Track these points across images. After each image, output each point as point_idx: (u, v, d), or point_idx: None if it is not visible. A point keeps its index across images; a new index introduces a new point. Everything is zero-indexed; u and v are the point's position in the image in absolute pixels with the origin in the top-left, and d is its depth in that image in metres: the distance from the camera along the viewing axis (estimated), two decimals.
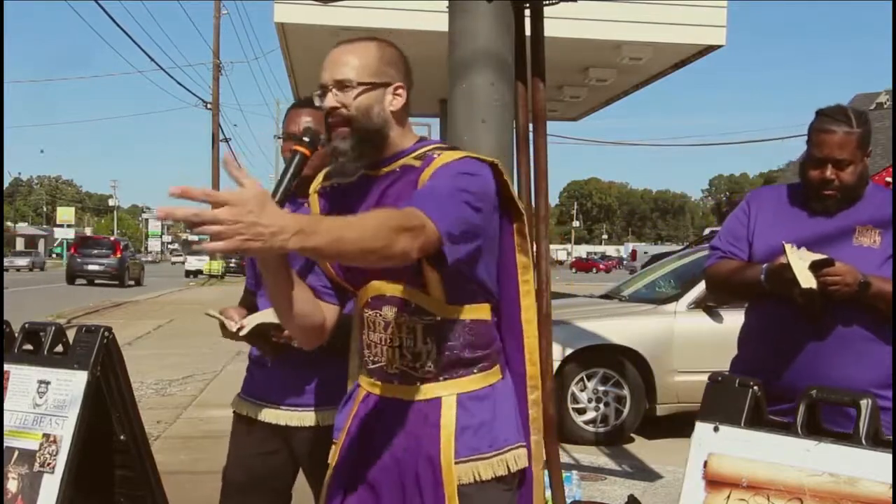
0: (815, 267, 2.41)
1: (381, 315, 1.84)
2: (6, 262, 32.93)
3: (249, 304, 2.64)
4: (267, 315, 2.40)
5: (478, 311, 1.85)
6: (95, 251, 31.18)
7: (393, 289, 1.82)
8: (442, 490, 1.78)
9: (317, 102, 1.85)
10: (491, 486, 1.81)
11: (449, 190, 1.70)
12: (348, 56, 1.82)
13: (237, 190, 1.37)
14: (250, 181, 1.39)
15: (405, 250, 1.55)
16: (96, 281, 30.42)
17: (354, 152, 1.80)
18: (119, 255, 30.93)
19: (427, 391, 1.83)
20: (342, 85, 1.80)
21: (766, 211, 2.70)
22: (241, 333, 2.40)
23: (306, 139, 1.83)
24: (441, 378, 1.83)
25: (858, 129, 2.52)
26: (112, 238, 36.26)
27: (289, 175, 1.78)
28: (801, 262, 2.42)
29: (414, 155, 1.86)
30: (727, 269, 2.71)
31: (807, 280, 2.40)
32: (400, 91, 1.85)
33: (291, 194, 2.63)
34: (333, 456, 1.95)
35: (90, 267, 30.59)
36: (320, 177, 2.00)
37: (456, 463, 1.79)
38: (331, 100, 1.80)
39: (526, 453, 1.88)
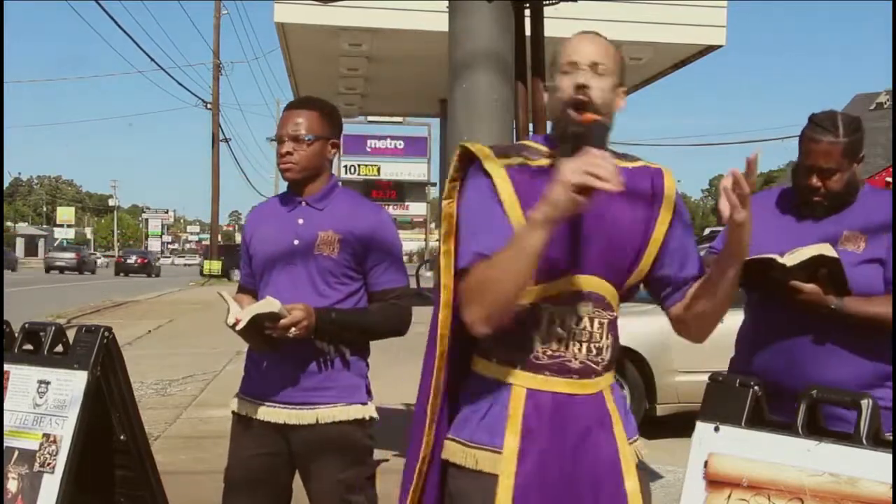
0: (806, 266, 2.44)
1: (573, 309, 1.85)
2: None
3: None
4: (263, 305, 2.40)
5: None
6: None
7: (596, 284, 1.86)
8: (620, 470, 1.87)
9: (565, 83, 1.83)
10: (641, 466, 1.94)
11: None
12: (602, 46, 1.87)
13: None
14: None
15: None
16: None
17: (598, 140, 1.79)
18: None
19: (596, 385, 1.89)
20: (596, 68, 1.83)
21: (762, 216, 2.67)
22: (238, 328, 2.40)
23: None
24: (605, 372, 1.91)
25: (845, 138, 2.51)
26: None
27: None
28: (797, 253, 2.45)
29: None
30: (710, 261, 2.74)
31: (790, 260, 2.44)
32: (623, 94, 1.91)
33: (291, 194, 2.65)
34: (508, 464, 1.83)
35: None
36: (497, 160, 1.89)
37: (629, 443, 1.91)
38: (587, 78, 1.81)
39: None
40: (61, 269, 43.12)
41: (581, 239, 1.83)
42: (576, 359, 1.86)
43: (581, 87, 1.81)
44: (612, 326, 1.91)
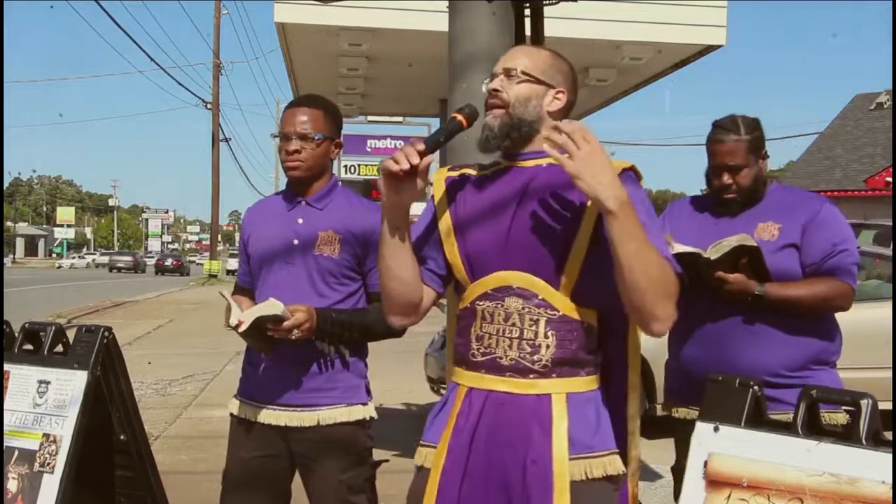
0: (729, 257, 2.58)
1: (502, 306, 1.87)
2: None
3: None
4: (265, 308, 2.40)
5: (591, 316, 1.90)
6: None
7: (521, 279, 1.86)
8: (551, 485, 1.79)
9: (483, 88, 1.97)
10: (600, 484, 1.85)
11: (656, 225, 1.87)
12: (522, 53, 2.00)
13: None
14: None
15: (669, 316, 1.78)
16: None
17: (501, 132, 1.92)
18: None
19: (539, 386, 1.85)
20: (509, 73, 1.94)
21: (681, 219, 2.91)
22: (241, 330, 2.40)
23: (466, 111, 1.92)
24: (553, 375, 1.86)
25: (747, 135, 2.73)
26: None
27: (442, 136, 1.90)
28: (720, 245, 2.61)
29: None
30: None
31: (712, 253, 2.60)
32: (560, 95, 1.96)
33: (291, 193, 2.66)
34: (437, 458, 1.90)
35: None
36: (444, 169, 2.08)
37: (570, 459, 1.81)
38: (495, 83, 1.95)
39: (620, 461, 1.91)
40: (120, 269, 55.58)
41: (505, 237, 1.88)
42: (506, 356, 1.86)
43: (491, 91, 1.96)
44: (556, 325, 1.85)
